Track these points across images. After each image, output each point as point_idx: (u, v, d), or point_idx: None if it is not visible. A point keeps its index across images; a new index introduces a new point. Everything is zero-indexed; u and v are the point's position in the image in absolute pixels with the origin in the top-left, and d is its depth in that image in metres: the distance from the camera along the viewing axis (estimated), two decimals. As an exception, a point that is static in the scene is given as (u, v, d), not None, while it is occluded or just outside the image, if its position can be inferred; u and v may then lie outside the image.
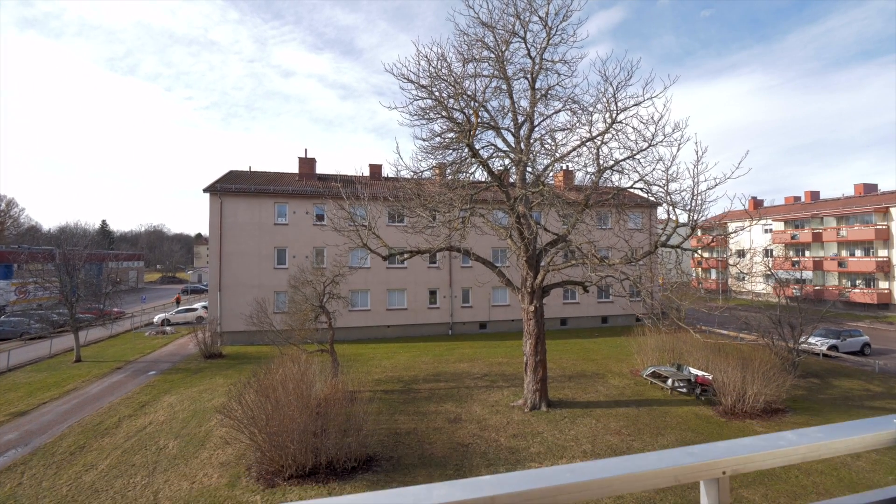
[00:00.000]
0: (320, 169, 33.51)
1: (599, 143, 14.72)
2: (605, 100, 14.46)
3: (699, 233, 17.68)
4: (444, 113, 15.31)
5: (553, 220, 22.41)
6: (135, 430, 14.47)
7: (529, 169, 16.30)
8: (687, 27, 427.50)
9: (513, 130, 16.38)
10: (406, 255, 16.51)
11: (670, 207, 13.80)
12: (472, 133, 14.94)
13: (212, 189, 27.25)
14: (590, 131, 14.97)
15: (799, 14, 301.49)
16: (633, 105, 14.19)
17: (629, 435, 13.62)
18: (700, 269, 55.69)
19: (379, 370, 21.06)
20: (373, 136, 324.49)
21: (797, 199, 54.54)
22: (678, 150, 13.91)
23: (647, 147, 14.29)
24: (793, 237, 47.37)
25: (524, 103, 16.53)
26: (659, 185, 14.12)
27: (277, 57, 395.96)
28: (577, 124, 15.79)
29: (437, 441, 13.18)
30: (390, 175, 18.28)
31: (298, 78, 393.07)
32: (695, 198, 13.26)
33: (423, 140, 16.14)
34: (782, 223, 49.41)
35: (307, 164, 31.50)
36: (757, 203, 54.78)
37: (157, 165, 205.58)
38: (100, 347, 28.04)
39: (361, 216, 17.82)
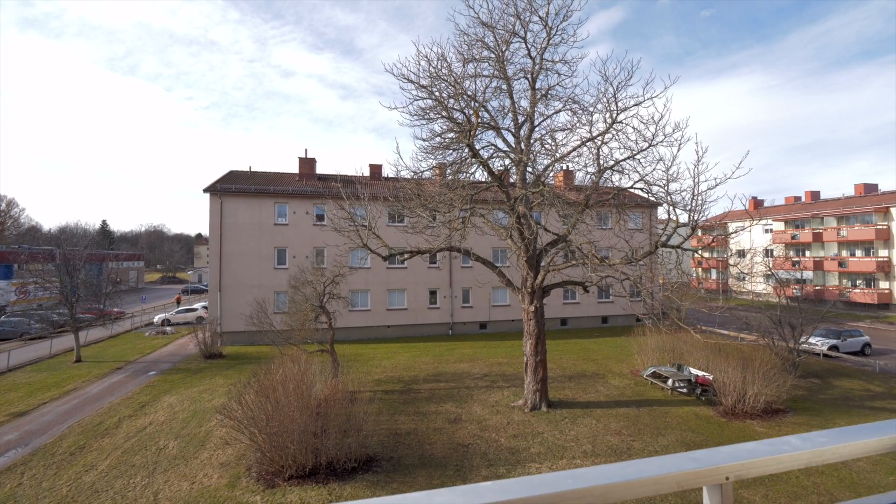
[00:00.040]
0: (320, 169, 33.53)
1: (600, 143, 14.71)
2: (605, 100, 14.47)
3: (699, 233, 17.64)
4: (444, 113, 15.30)
5: (553, 220, 22.39)
6: (135, 431, 14.46)
7: (530, 169, 16.28)
8: (687, 27, 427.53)
9: (513, 130, 16.37)
10: (406, 256, 16.51)
11: (671, 207, 13.78)
12: (472, 133, 14.93)
13: (212, 189, 27.24)
14: (590, 131, 14.96)
15: (799, 14, 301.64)
16: (634, 105, 14.19)
17: (629, 435, 13.60)
18: (700, 269, 55.67)
19: (379, 370, 21.05)
20: (373, 136, 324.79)
21: (797, 199, 54.52)
22: (678, 151, 13.91)
23: (648, 147, 14.28)
24: (793, 237, 47.35)
25: (524, 103, 16.54)
26: (659, 185, 14.11)
27: (277, 57, 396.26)
28: (578, 124, 15.79)
29: (438, 441, 13.17)
30: (390, 175, 18.27)
31: (298, 78, 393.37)
32: (695, 198, 13.25)
33: (424, 140, 16.14)
34: (782, 223, 49.39)
35: (307, 164, 31.49)
36: (757, 203, 54.77)
37: (157, 165, 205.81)
38: (100, 347, 28.04)
39: (361, 216, 17.82)
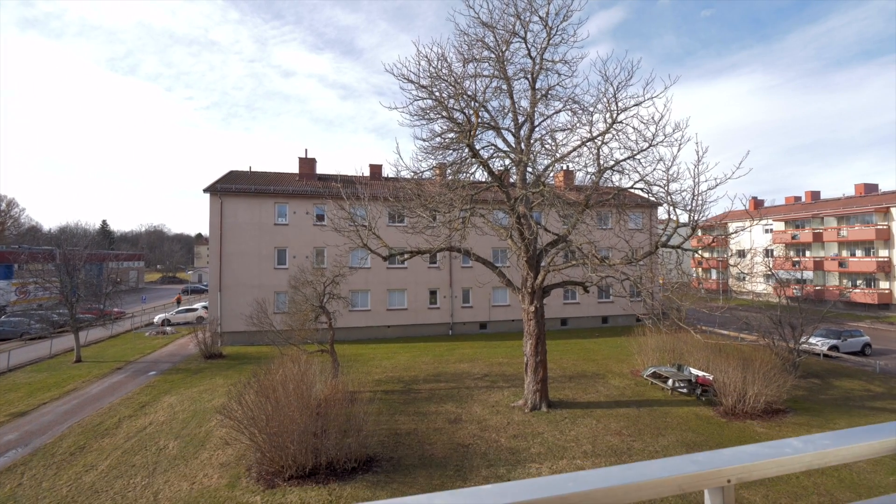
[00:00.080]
0: (320, 169, 33.53)
1: (600, 143, 14.70)
2: (605, 100, 14.47)
3: (700, 233, 17.64)
4: (444, 113, 15.30)
5: (553, 220, 22.38)
6: (135, 431, 14.46)
7: (530, 169, 16.28)
8: (687, 27, 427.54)
9: (513, 130, 16.37)
10: (406, 256, 16.50)
11: (671, 207, 13.78)
12: (472, 133, 14.93)
13: (212, 189, 27.25)
14: (590, 131, 14.96)
15: (799, 14, 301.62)
16: (634, 105, 14.19)
17: (630, 436, 13.60)
18: (700, 269, 55.67)
19: (379, 370, 21.05)
20: (373, 136, 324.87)
21: (798, 199, 54.52)
22: (679, 151, 13.91)
23: (648, 147, 14.27)
24: (793, 237, 47.35)
25: (524, 103, 16.54)
26: (659, 186, 14.11)
27: (278, 57, 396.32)
28: (578, 124, 15.79)
29: (438, 441, 13.16)
30: (390, 175, 18.27)
31: (299, 78, 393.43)
32: (695, 198, 13.24)
33: (424, 140, 16.14)
34: (783, 223, 49.39)
35: (307, 164, 31.49)
36: (757, 203, 54.78)
37: (157, 165, 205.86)
38: (100, 348, 28.05)
39: (361, 216, 17.81)
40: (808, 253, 46.76)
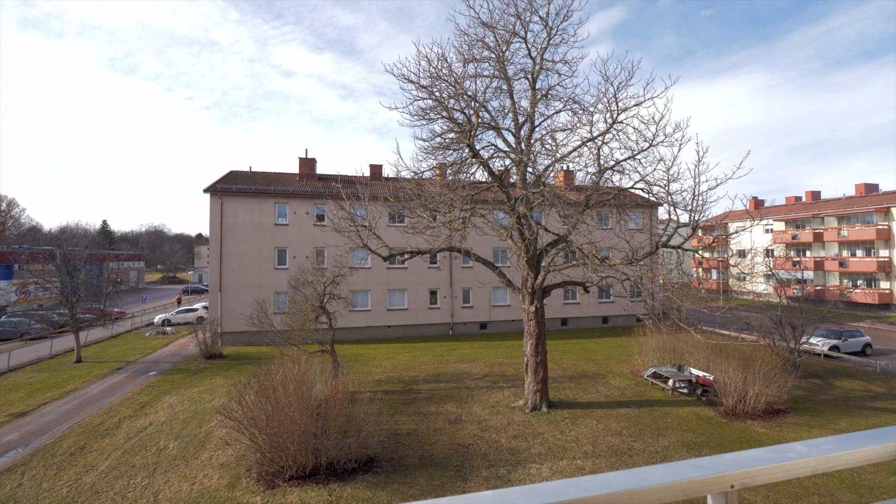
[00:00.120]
0: (321, 169, 33.54)
1: (600, 143, 14.69)
2: (605, 100, 14.45)
3: (700, 233, 17.63)
4: (444, 113, 15.29)
5: (554, 220, 22.36)
6: (135, 431, 14.46)
7: (530, 169, 16.27)
8: (687, 27, 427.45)
9: (513, 131, 16.36)
10: (406, 256, 16.50)
11: (671, 208, 13.77)
12: (472, 133, 14.92)
13: (212, 189, 27.25)
14: (590, 131, 14.94)
15: (800, 14, 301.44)
16: (634, 105, 14.17)
17: (630, 436, 13.58)
18: (701, 269, 55.64)
19: (379, 371, 21.04)
20: (373, 136, 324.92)
21: (798, 199, 54.48)
22: (679, 151, 13.90)
23: (648, 147, 14.26)
24: (794, 237, 47.32)
25: (525, 103, 16.52)
26: (660, 186, 14.09)
27: (278, 57, 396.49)
28: (578, 124, 15.77)
29: (438, 442, 13.15)
30: (391, 175, 18.25)
31: (299, 78, 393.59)
32: (696, 198, 13.23)
33: (424, 140, 16.13)
34: (783, 223, 49.36)
35: (307, 164, 31.49)
36: (758, 203, 54.77)
37: (157, 165, 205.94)
38: (100, 348, 28.05)
39: (362, 216, 17.81)
40: (808, 253, 46.74)
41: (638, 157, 14.53)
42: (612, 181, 15.45)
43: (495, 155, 16.60)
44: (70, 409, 16.78)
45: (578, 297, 33.09)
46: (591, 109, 15.35)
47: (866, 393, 18.26)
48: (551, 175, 16.82)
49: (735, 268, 16.71)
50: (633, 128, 14.45)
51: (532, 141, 15.93)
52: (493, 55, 15.62)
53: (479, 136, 15.79)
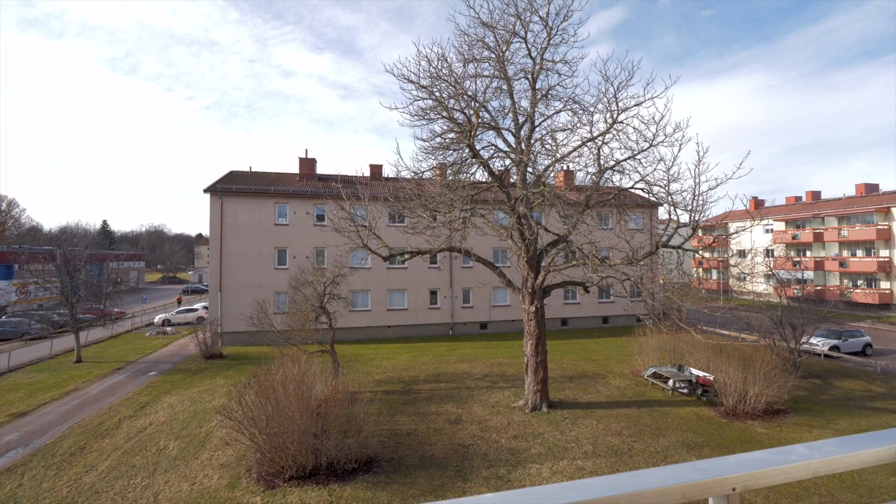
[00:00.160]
0: (321, 169, 33.54)
1: (600, 143, 14.68)
2: (605, 100, 14.44)
3: (700, 233, 17.63)
4: (444, 113, 15.29)
5: (554, 220, 22.36)
6: (135, 431, 14.46)
7: (530, 169, 16.26)
8: (688, 27, 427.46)
9: (513, 131, 16.35)
10: (406, 256, 16.49)
11: (671, 208, 13.76)
12: (472, 133, 14.92)
13: (212, 189, 27.25)
14: (590, 131, 14.94)
15: (800, 14, 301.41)
16: (634, 105, 14.16)
17: (630, 436, 13.58)
18: (701, 269, 55.64)
19: (379, 371, 21.04)
20: (373, 136, 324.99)
21: (798, 199, 54.47)
22: (679, 151, 13.89)
23: (648, 147, 14.25)
24: (794, 237, 47.31)
25: (525, 103, 16.52)
26: (660, 186, 14.09)
27: (278, 57, 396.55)
28: (578, 124, 15.77)
29: (438, 442, 13.15)
30: (391, 175, 18.26)
31: (299, 78, 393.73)
32: (696, 198, 13.22)
33: (424, 140, 16.13)
34: (783, 223, 49.35)
35: (308, 164, 31.49)
36: (758, 203, 54.77)
37: (157, 165, 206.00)
38: (100, 348, 28.05)
39: (362, 216, 17.80)
40: (808, 253, 46.73)
41: (638, 157, 14.53)
42: (612, 181, 15.44)
43: (495, 155, 16.60)
44: (70, 410, 16.78)
45: (578, 297, 33.08)
46: (592, 109, 15.36)
47: (867, 393, 18.25)
48: (551, 175, 16.82)
49: (735, 268, 16.70)
50: (634, 128, 14.47)
51: (532, 141, 15.92)
52: (493, 55, 15.62)
53: (479, 136, 15.79)
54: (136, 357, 25.21)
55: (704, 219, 13.81)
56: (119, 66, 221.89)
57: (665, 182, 13.79)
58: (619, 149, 14.95)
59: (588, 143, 15.06)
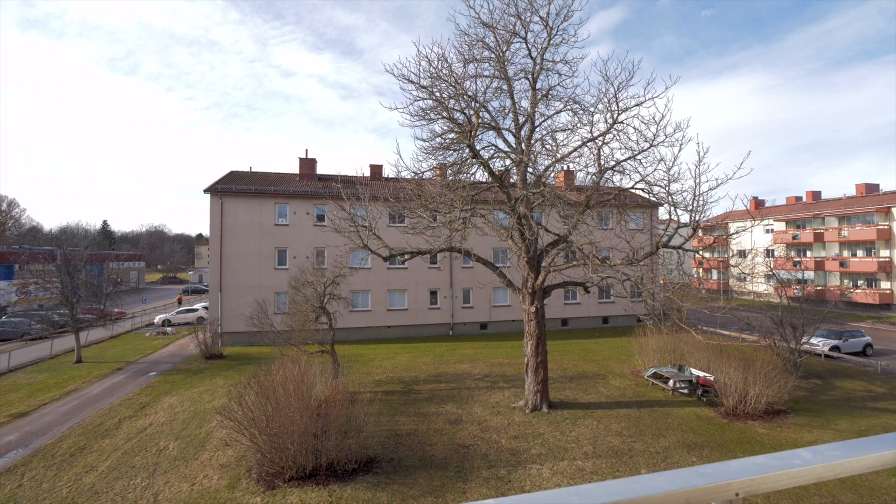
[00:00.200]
0: (321, 169, 33.53)
1: (600, 143, 14.67)
2: (606, 100, 14.43)
3: (701, 233, 17.62)
4: (444, 113, 15.28)
5: (554, 220, 22.36)
6: (135, 432, 14.45)
7: (530, 169, 16.26)
8: (688, 27, 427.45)
9: (514, 131, 16.35)
10: (407, 256, 16.48)
11: (672, 208, 13.75)
12: (472, 134, 14.91)
13: (212, 189, 27.24)
14: (591, 132, 14.93)
15: (800, 14, 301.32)
16: (635, 105, 14.15)
17: (630, 436, 13.56)
18: (701, 269, 55.61)
19: (379, 371, 21.03)
20: (373, 136, 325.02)
21: (798, 199, 54.45)
22: (680, 151, 13.89)
23: (649, 147, 14.24)
24: (794, 237, 47.29)
25: (525, 104, 16.51)
26: (660, 186, 14.07)
27: (278, 57, 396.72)
28: (578, 125, 15.76)
29: (438, 442, 13.14)
30: (391, 175, 18.25)
31: (299, 78, 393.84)
32: (696, 198, 13.21)
33: (424, 141, 16.13)
34: (784, 223, 49.32)
35: (308, 164, 31.49)
36: (758, 203, 54.74)
37: (157, 166, 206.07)
38: (100, 348, 28.05)
39: (362, 217, 17.80)
40: (809, 253, 46.71)
41: (638, 157, 14.52)
42: (612, 181, 15.43)
43: (495, 155, 16.60)
44: (70, 410, 16.77)
45: (579, 298, 33.07)
46: (592, 109, 15.36)
47: (867, 393, 18.23)
48: (552, 175, 16.81)
49: (735, 268, 16.69)
50: (634, 128, 14.46)
51: (532, 141, 15.92)
52: (493, 55, 15.61)
53: (480, 137, 15.78)
54: (137, 357, 25.21)
55: (705, 219, 13.80)
56: (119, 67, 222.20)
57: (665, 182, 13.79)
58: (620, 149, 14.96)
59: (588, 144, 15.05)
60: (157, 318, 36.23)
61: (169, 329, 33.61)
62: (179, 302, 47.89)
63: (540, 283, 15.85)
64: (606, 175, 15.01)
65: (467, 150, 15.47)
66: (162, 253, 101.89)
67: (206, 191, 27.31)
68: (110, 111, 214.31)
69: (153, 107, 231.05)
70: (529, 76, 16.00)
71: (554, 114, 16.26)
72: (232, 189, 27.47)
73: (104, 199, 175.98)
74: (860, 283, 41.98)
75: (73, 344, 25.14)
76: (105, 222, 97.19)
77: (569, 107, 15.91)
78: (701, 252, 27.44)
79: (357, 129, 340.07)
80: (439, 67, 14.97)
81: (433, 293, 30.84)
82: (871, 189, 46.48)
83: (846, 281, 43.27)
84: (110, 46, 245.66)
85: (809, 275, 45.53)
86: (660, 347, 20.11)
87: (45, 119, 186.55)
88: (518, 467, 11.71)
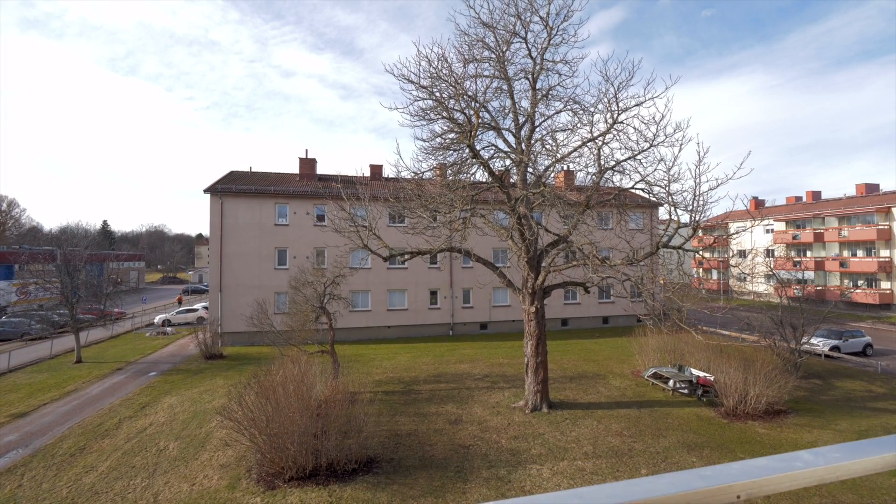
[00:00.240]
0: (321, 169, 33.53)
1: (601, 143, 14.67)
2: (606, 100, 14.43)
3: (701, 233, 17.62)
4: (444, 113, 15.27)
5: (554, 220, 22.35)
6: (135, 432, 14.45)
7: (530, 169, 16.25)
8: (688, 27, 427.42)
9: (514, 131, 16.34)
10: (407, 256, 16.48)
11: (672, 208, 13.75)
12: (472, 134, 14.90)
13: (212, 189, 27.24)
14: (591, 132, 14.92)
15: (800, 14, 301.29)
16: (635, 105, 14.15)
17: (630, 437, 13.56)
18: (701, 269, 55.60)
19: (379, 371, 21.03)
20: (373, 136, 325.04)
21: (798, 199, 54.43)
22: (680, 151, 13.89)
23: (649, 147, 14.24)
24: (794, 237, 47.27)
25: (525, 104, 16.51)
26: (660, 186, 14.07)
27: (278, 57, 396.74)
28: (579, 125, 15.76)
29: (438, 443, 13.13)
30: (391, 175, 18.25)
31: (299, 78, 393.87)
32: (696, 198, 13.20)
33: (424, 141, 16.12)
34: (784, 223, 49.31)
35: (308, 164, 31.48)
36: (758, 203, 54.72)
37: (157, 166, 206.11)
38: (100, 348, 28.05)
39: (362, 217, 17.79)
40: (809, 253, 46.70)
41: (638, 157, 14.51)
42: (612, 181, 15.43)
43: (495, 155, 16.59)
44: (70, 410, 16.77)
45: (579, 298, 33.06)
46: (592, 109, 15.36)
47: (867, 393, 18.23)
48: (552, 175, 16.80)
49: (736, 268, 16.68)
50: (634, 128, 14.45)
51: (532, 141, 15.91)
52: (493, 55, 15.61)
53: (480, 137, 15.78)
54: (137, 357, 25.20)
55: (705, 219, 13.80)
56: (119, 67, 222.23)
57: (665, 182, 13.78)
58: (620, 149, 14.96)
59: (588, 144, 15.05)
60: (157, 319, 36.22)
61: (169, 329, 33.60)
62: (179, 302, 47.88)
63: (540, 284, 15.84)
64: (606, 175, 15.01)
65: (467, 150, 15.46)
66: (162, 253, 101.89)
67: (206, 191, 27.31)
68: (110, 111, 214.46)
69: (153, 107, 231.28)
70: (529, 76, 15.99)
71: (554, 114, 16.27)
72: (232, 189, 27.46)
73: (104, 199, 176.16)
74: (860, 283, 41.97)
75: (72, 344, 25.13)
76: (105, 222, 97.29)
77: (569, 107, 15.92)
78: (701, 252, 27.44)
79: (357, 129, 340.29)
80: (439, 67, 14.98)
81: (433, 293, 30.83)
82: (871, 189, 46.47)
83: (846, 281, 43.26)
84: (110, 46, 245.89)
85: (809, 275, 45.52)
86: (660, 347, 20.10)
87: (45, 119, 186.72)
88: (518, 467, 11.71)
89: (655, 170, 14.41)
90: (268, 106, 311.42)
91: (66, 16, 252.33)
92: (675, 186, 13.78)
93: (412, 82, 14.98)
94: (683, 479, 0.94)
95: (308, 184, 30.07)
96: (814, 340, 22.78)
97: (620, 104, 14.13)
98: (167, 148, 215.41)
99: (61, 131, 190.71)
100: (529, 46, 15.65)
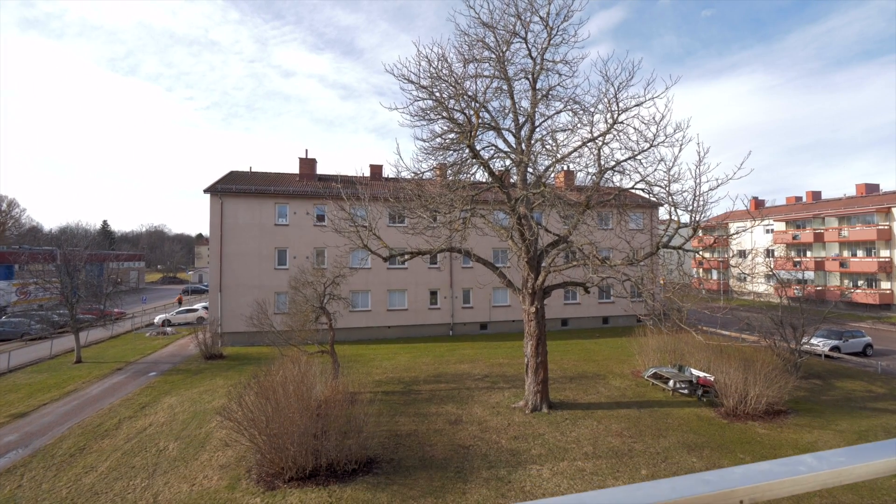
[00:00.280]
0: (321, 169, 33.55)
1: (601, 143, 14.67)
2: (606, 100, 14.42)
3: (701, 233, 17.62)
4: (444, 114, 15.27)
5: (554, 220, 22.35)
6: (135, 432, 14.44)
7: (530, 170, 16.24)
8: (688, 27, 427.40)
9: (514, 131, 16.33)
10: (407, 256, 16.47)
11: (672, 208, 13.74)
12: (472, 134, 14.90)
13: (212, 189, 27.23)
14: (591, 132, 14.92)
15: (800, 14, 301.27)
16: (635, 105, 14.14)
17: (630, 437, 13.55)
18: (702, 269, 55.60)
19: (379, 371, 21.02)
20: (373, 136, 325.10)
21: (798, 199, 54.42)
22: (680, 151, 13.89)
23: (649, 147, 14.23)
24: (794, 237, 47.27)
25: (525, 104, 16.50)
26: (660, 186, 14.07)
27: (278, 57, 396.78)
28: (579, 125, 15.74)
29: (438, 443, 13.13)
30: (391, 176, 18.24)
31: (299, 78, 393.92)
32: (696, 198, 13.20)
33: (424, 141, 16.11)
34: (784, 223, 49.30)
35: (308, 164, 31.48)
36: (758, 203, 54.71)
37: (157, 166, 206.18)
38: (100, 348, 28.04)
39: (362, 217, 17.79)
40: (809, 253, 46.69)
41: (638, 157, 14.51)
42: (612, 181, 15.42)
43: (496, 155, 16.58)
44: (70, 410, 16.76)
45: (579, 298, 33.06)
46: (592, 110, 15.35)
47: (867, 394, 18.22)
48: (552, 175, 16.79)
49: (736, 268, 16.68)
50: (634, 128, 14.45)
51: (532, 141, 15.90)
52: (493, 55, 15.60)
53: (480, 137, 15.77)
54: (136, 357, 25.19)
55: (705, 219, 13.79)
56: (119, 67, 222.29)
57: (666, 182, 13.78)
58: (620, 149, 14.95)
59: (588, 144, 15.04)
60: (157, 319, 36.21)
61: (169, 329, 33.59)
62: (179, 302, 47.87)
63: (540, 284, 15.84)
64: (606, 175, 15.00)
65: (467, 151, 15.45)
66: (162, 253, 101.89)
67: (206, 191, 27.30)
68: (110, 111, 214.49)
69: (153, 107, 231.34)
70: (529, 76, 15.99)
71: (554, 114, 16.26)
72: (232, 189, 27.45)
73: (104, 199, 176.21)
74: (860, 283, 41.96)
75: (72, 344, 25.13)
76: (105, 222, 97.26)
77: (569, 107, 15.91)
78: (701, 252, 27.44)
79: (357, 129, 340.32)
80: (439, 67, 14.97)
81: (433, 293, 30.83)
82: (871, 189, 46.47)
83: (846, 281, 43.25)
84: (110, 46, 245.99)
85: (809, 275, 45.51)
86: (660, 348, 20.10)
87: (45, 119, 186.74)
88: (518, 468, 11.70)
89: (655, 170, 14.42)
90: (268, 106, 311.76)
91: (66, 16, 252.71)
92: (675, 186, 13.79)
93: (412, 82, 14.98)
94: (686, 483, 0.93)
95: (308, 184, 30.06)
96: (814, 341, 22.78)
97: (620, 104, 14.14)
98: (167, 148, 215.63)
99: (61, 131, 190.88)
100: (529, 46, 15.65)
